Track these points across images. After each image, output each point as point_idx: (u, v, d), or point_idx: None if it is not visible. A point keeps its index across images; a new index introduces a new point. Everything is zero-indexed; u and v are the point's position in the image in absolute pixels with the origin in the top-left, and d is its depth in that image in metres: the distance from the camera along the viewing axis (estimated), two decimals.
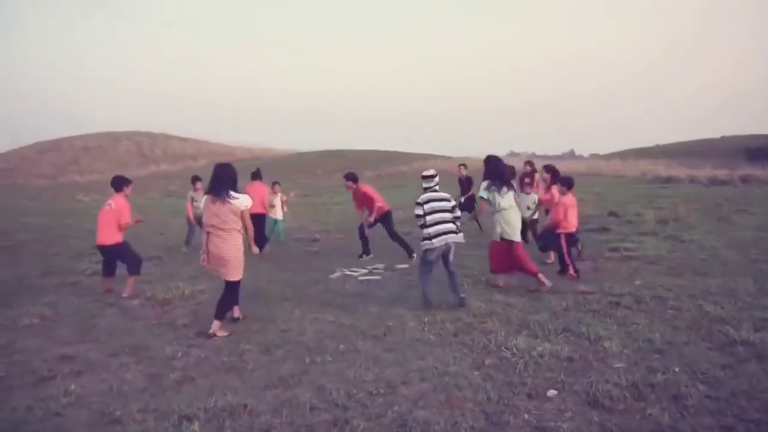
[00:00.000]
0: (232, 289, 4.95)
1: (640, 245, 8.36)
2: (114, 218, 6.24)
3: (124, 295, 6.20)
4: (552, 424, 2.99)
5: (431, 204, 5.51)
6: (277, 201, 10.08)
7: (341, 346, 4.34)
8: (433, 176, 5.75)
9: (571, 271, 6.54)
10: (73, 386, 3.66)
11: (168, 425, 3.10)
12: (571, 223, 6.75)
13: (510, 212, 6.02)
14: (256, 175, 9.51)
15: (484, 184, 6.10)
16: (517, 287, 6.16)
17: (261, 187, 9.40)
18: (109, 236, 6.24)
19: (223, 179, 4.80)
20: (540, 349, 4.03)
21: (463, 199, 10.91)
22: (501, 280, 6.28)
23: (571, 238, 6.82)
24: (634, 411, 3.12)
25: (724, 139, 54.00)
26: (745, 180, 20.33)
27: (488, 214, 6.30)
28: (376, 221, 8.26)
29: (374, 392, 3.46)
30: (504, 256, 6.11)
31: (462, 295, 5.41)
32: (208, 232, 4.85)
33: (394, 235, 8.28)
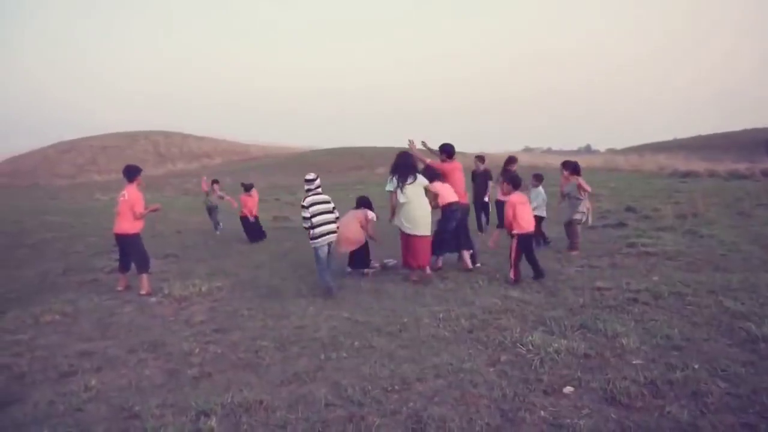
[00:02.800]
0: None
1: (658, 241, 8.24)
2: (128, 208, 6.32)
3: (142, 293, 6.28)
4: (568, 421, 2.97)
5: (316, 206, 6.03)
6: None
7: (356, 343, 4.35)
8: (314, 179, 6.17)
9: (512, 274, 6.13)
10: (93, 381, 3.73)
11: (185, 420, 3.14)
12: (524, 224, 6.21)
13: (410, 205, 6.27)
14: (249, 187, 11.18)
15: (390, 177, 6.45)
16: (531, 283, 6.12)
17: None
18: (125, 226, 6.36)
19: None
20: (556, 345, 3.99)
21: (487, 199, 10.30)
22: (415, 274, 6.46)
23: (527, 240, 6.25)
24: (653, 408, 3.08)
25: (745, 132, 52.94)
26: (766, 174, 19.93)
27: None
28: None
29: (389, 388, 3.46)
30: (407, 249, 6.39)
31: (330, 285, 5.99)
32: None
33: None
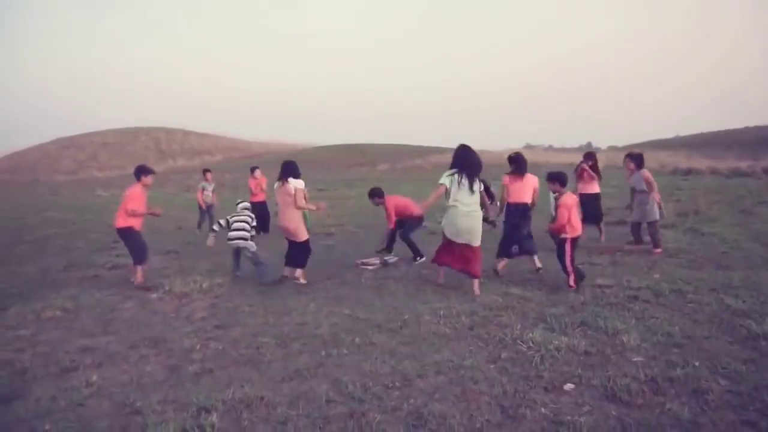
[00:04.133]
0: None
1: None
2: (124, 204, 6.46)
3: (132, 280, 6.55)
4: (569, 418, 2.97)
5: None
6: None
7: (357, 339, 4.35)
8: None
9: (572, 281, 5.67)
10: (94, 377, 3.73)
11: (187, 416, 3.14)
12: (577, 226, 5.88)
13: (457, 210, 5.51)
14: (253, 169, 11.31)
15: (451, 171, 5.60)
16: (532, 280, 6.12)
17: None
18: (119, 220, 6.50)
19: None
20: (557, 342, 4.00)
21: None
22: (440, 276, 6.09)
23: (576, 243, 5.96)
24: (653, 405, 3.08)
25: (747, 130, 52.84)
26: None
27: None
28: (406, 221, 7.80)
29: (390, 385, 3.46)
30: (447, 251, 5.81)
31: (238, 273, 6.88)
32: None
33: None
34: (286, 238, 6.56)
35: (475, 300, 5.34)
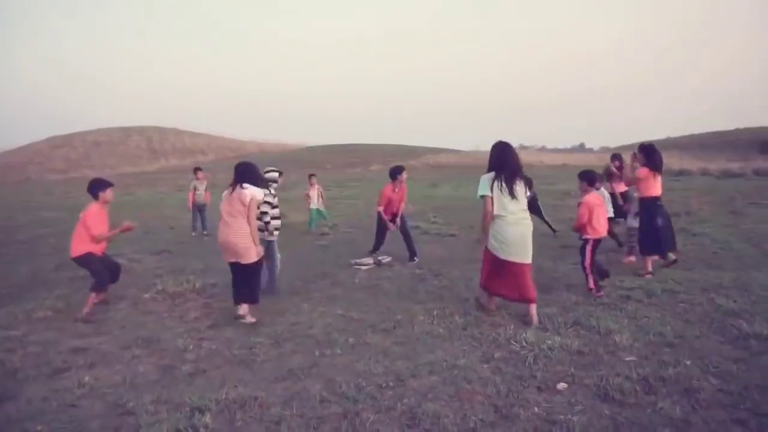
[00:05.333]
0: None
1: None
2: (82, 228, 5.34)
3: (78, 316, 5.19)
4: (562, 417, 2.99)
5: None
6: (314, 192, 11.11)
7: (351, 340, 4.35)
8: (265, 172, 5.89)
9: (591, 283, 5.46)
10: (86, 378, 3.71)
11: (180, 416, 3.13)
12: (600, 228, 5.57)
13: (506, 219, 4.64)
14: None
15: (487, 177, 4.73)
16: None
17: None
18: (76, 247, 5.36)
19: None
20: (550, 342, 4.02)
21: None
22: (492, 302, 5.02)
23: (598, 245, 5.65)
24: (645, 405, 3.10)
25: (738, 131, 53.30)
26: (758, 172, 20.10)
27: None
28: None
29: (384, 385, 3.47)
30: (497, 275, 4.82)
31: (273, 286, 5.95)
32: None
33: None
34: (229, 262, 5.07)
35: (468, 300, 5.34)
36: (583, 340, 4.11)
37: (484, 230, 4.78)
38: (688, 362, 3.63)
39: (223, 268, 7.31)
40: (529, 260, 4.73)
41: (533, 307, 4.67)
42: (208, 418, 3.08)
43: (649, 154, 6.38)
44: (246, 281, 5.05)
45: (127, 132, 49.08)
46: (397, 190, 7.64)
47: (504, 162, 4.69)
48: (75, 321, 5.11)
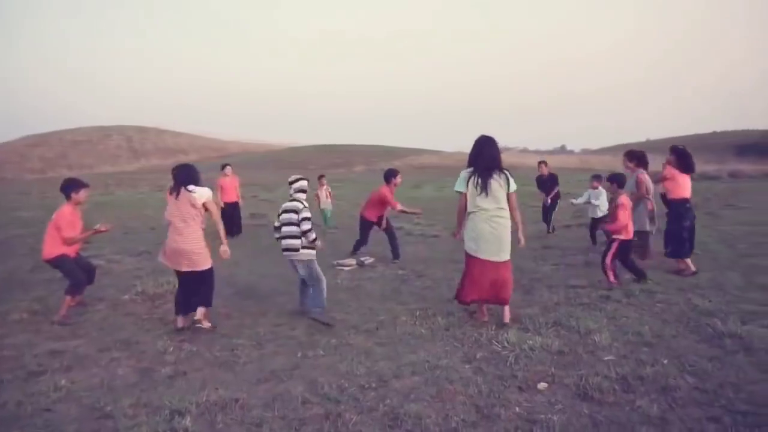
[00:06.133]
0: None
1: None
2: (54, 230, 5.19)
3: (54, 319, 5.06)
4: (542, 416, 3.01)
5: (282, 215, 5.07)
6: (323, 193, 11.35)
7: (333, 341, 4.34)
8: (291, 183, 5.12)
9: (612, 278, 5.71)
10: (63, 381, 3.64)
11: (159, 420, 3.09)
12: (630, 229, 5.78)
13: (480, 216, 4.54)
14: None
15: (464, 172, 4.67)
16: None
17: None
18: (48, 249, 5.20)
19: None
20: (531, 342, 4.06)
21: (549, 200, 10.06)
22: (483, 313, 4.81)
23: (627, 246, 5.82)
24: (624, 403, 3.15)
25: (714, 134, 54.43)
26: (733, 175, 20.56)
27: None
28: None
29: (366, 386, 3.47)
30: (471, 279, 4.67)
31: (316, 309, 4.91)
32: None
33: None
34: (177, 271, 4.80)
35: (451, 300, 5.36)
36: (563, 340, 4.16)
37: (459, 225, 4.81)
38: (665, 361, 3.70)
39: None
40: (505, 258, 4.63)
41: (507, 309, 4.67)
42: (188, 421, 3.05)
43: (680, 155, 6.37)
44: (202, 287, 4.80)
45: (106, 131, 48.36)
46: (392, 192, 7.72)
47: (479, 157, 4.59)
48: (51, 324, 5.00)
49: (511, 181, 4.57)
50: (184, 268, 4.74)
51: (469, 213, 4.59)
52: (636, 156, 7.15)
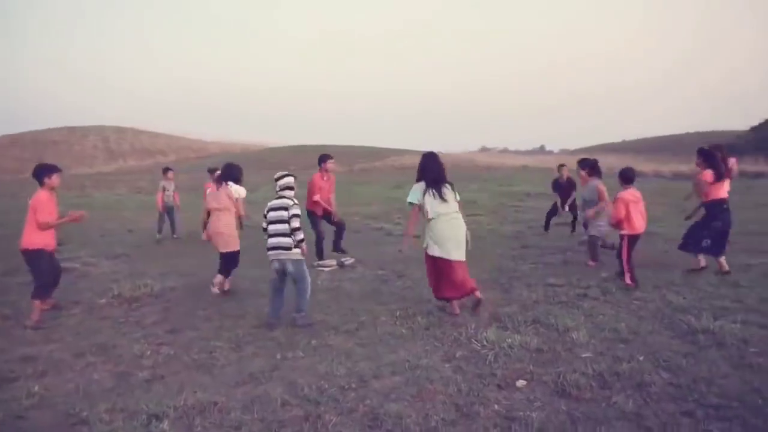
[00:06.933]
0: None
1: (607, 238, 8.53)
2: (32, 215, 5.05)
3: (27, 324, 4.98)
4: (521, 413, 3.05)
5: (269, 213, 4.95)
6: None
7: (313, 342, 4.33)
8: (277, 180, 5.04)
9: (628, 279, 5.72)
10: (36, 387, 3.57)
11: (137, 425, 3.05)
12: (636, 224, 5.81)
13: (439, 223, 4.92)
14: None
15: (416, 185, 5.07)
16: (487, 280, 6.24)
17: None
18: (28, 238, 5.07)
19: None
20: (510, 340, 4.09)
21: (567, 207, 9.62)
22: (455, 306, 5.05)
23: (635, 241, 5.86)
24: (600, 399, 3.20)
25: (688, 135, 55.59)
26: None
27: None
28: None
29: (346, 387, 3.46)
30: (438, 277, 5.02)
31: (294, 314, 4.86)
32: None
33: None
34: (219, 251, 5.94)
35: (431, 300, 5.39)
36: (542, 338, 4.21)
37: (407, 233, 5.30)
38: (641, 357, 3.77)
39: (184, 272, 7.19)
40: (463, 258, 4.95)
41: (477, 293, 4.97)
42: (165, 425, 3.01)
43: (707, 157, 6.24)
44: (227, 263, 6.00)
45: (82, 132, 47.42)
46: (325, 178, 7.50)
47: (427, 171, 5.04)
48: (24, 329, 4.90)
49: (455, 192, 5.07)
50: (221, 249, 5.97)
51: (430, 220, 4.94)
52: (589, 164, 7.09)
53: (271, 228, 4.88)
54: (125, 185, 25.95)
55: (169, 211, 10.38)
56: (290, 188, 5.02)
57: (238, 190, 5.97)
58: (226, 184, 5.93)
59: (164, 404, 3.25)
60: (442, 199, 4.91)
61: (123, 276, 7.01)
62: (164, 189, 10.35)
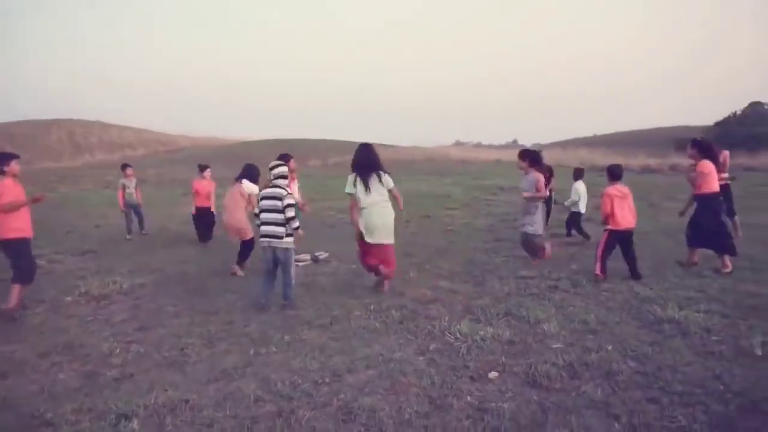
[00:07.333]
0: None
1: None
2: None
3: (2, 307, 5.04)
4: (493, 404, 3.09)
5: (262, 201, 5.12)
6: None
7: (286, 337, 4.30)
8: (271, 169, 5.21)
9: (597, 269, 5.78)
10: None
11: (105, 425, 2.99)
12: (620, 220, 5.84)
13: (370, 211, 5.36)
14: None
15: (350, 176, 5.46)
16: (460, 273, 6.29)
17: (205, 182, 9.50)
18: (5, 229, 5.09)
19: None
20: (482, 333, 4.14)
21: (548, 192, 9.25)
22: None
23: (622, 237, 5.87)
24: (570, 389, 3.26)
25: (656, 130, 56.97)
26: (673, 168, 21.58)
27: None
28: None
29: (320, 381, 3.45)
30: (366, 254, 5.53)
31: (284, 302, 5.09)
32: None
33: None
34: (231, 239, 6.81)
35: (404, 294, 5.41)
36: (513, 330, 4.27)
37: (352, 218, 5.62)
38: (610, 347, 3.85)
39: (153, 268, 7.06)
40: (391, 241, 5.53)
41: (387, 283, 5.59)
42: (135, 425, 2.96)
43: (703, 148, 6.15)
44: (243, 250, 6.74)
45: (45, 125, 45.96)
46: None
47: (355, 162, 5.52)
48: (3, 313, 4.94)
49: (387, 178, 5.46)
50: (233, 238, 6.81)
51: (362, 209, 5.40)
52: (529, 155, 6.77)
53: (264, 216, 5.07)
54: (92, 180, 25.29)
55: (134, 208, 10.05)
56: (283, 177, 5.19)
57: (249, 187, 6.64)
58: (240, 182, 6.58)
59: (134, 403, 3.19)
60: (368, 188, 5.38)
61: (90, 273, 6.84)
62: (125, 187, 9.97)
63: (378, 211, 5.39)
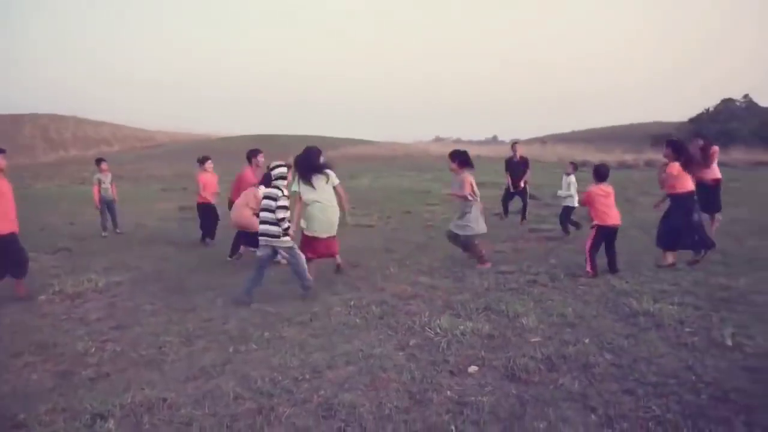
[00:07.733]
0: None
1: (556, 226, 8.81)
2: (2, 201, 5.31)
3: (21, 296, 5.50)
4: (473, 398, 3.11)
5: (262, 201, 5.29)
6: None
7: (266, 334, 4.27)
8: (270, 169, 5.42)
9: (588, 267, 5.85)
10: None
11: (79, 425, 2.93)
12: (603, 216, 5.98)
13: (313, 207, 5.80)
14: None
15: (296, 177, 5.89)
16: (440, 269, 6.32)
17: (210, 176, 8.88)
18: (3, 224, 5.36)
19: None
20: (462, 327, 4.17)
21: (519, 187, 9.98)
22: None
23: (607, 233, 5.98)
24: (548, 382, 3.31)
25: (632, 126, 57.92)
26: (649, 164, 21.98)
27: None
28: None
29: (300, 378, 3.44)
30: (307, 247, 5.86)
31: (305, 282, 5.29)
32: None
33: None
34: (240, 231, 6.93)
35: (385, 289, 5.41)
36: (493, 324, 4.31)
37: (296, 216, 5.86)
38: (587, 340, 3.92)
39: (129, 266, 6.94)
40: (333, 233, 5.98)
41: (338, 257, 6.25)
42: (111, 424, 2.91)
43: (677, 149, 6.19)
44: (251, 239, 6.38)
45: (17, 120, 44.83)
46: (257, 174, 7.32)
47: (297, 163, 5.91)
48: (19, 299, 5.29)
49: (332, 176, 5.95)
50: (241, 229, 6.78)
51: (306, 205, 5.82)
52: (459, 156, 6.54)
53: (262, 215, 5.21)
54: (67, 176, 24.79)
55: (108, 204, 9.79)
56: (283, 178, 5.31)
57: (264, 191, 6.90)
58: (257, 187, 6.44)
59: (110, 403, 3.14)
60: (312, 186, 5.79)
61: (65, 271, 6.70)
62: (100, 182, 9.72)
63: (321, 208, 5.82)
